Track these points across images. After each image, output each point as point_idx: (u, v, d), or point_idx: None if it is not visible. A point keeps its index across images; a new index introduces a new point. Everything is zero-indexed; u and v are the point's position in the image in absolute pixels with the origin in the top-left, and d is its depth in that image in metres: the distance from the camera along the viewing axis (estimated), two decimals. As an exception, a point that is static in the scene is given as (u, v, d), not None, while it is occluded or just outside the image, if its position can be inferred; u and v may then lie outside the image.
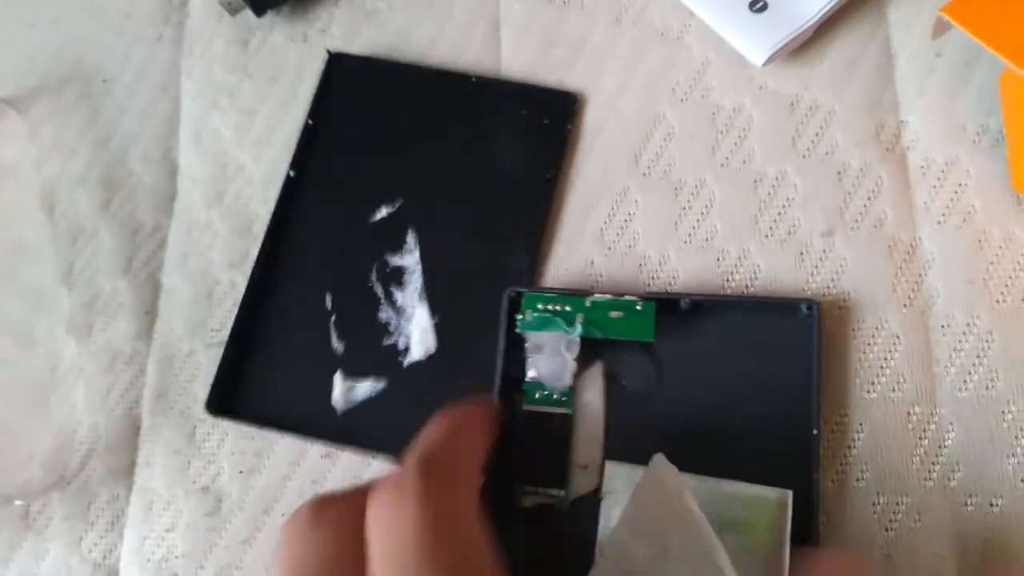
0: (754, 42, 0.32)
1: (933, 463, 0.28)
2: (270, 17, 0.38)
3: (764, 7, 0.32)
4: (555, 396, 0.29)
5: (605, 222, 0.33)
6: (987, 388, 0.28)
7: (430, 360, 0.32)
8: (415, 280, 0.33)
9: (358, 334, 0.33)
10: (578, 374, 0.29)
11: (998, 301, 0.29)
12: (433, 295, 0.33)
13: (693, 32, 0.34)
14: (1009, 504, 0.27)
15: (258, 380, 0.33)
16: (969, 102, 0.31)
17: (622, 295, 0.29)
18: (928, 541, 0.27)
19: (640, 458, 0.25)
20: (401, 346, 0.32)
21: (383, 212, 0.34)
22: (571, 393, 0.29)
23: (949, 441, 0.28)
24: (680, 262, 0.32)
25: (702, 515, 0.24)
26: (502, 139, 0.34)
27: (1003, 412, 0.28)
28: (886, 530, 0.28)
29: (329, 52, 0.37)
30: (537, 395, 0.29)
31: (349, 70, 0.37)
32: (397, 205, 0.34)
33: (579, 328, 0.29)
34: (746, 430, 0.28)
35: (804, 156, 0.32)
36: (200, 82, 0.38)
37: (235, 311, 0.33)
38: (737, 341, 0.29)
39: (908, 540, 0.27)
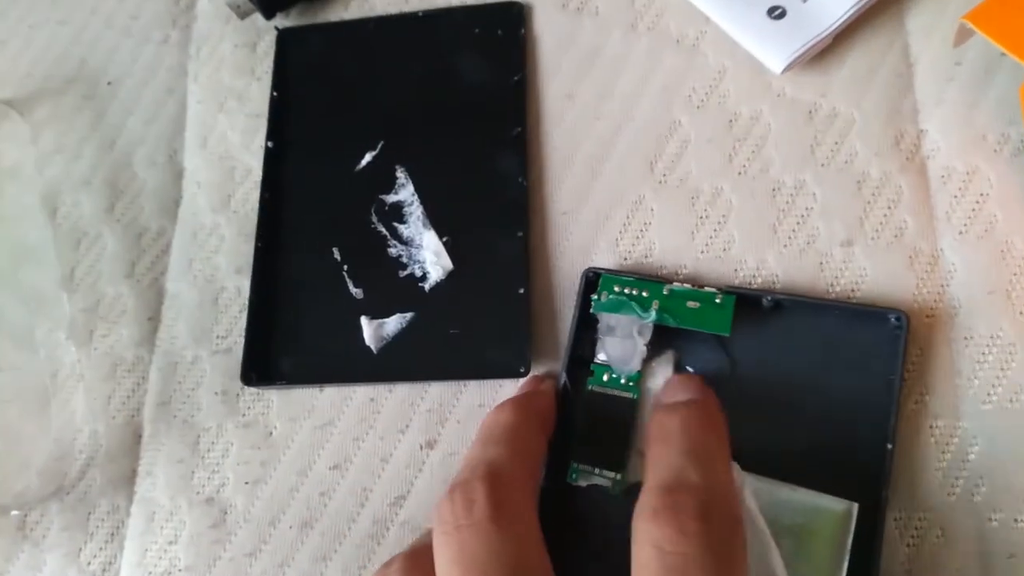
0: (772, 49, 0.32)
1: (956, 477, 0.27)
2: (279, 20, 0.38)
3: (783, 14, 0.32)
4: (623, 380, 0.29)
5: (620, 231, 0.32)
6: (1011, 401, 0.28)
7: (450, 278, 0.33)
8: (415, 210, 0.34)
9: (373, 276, 0.33)
10: (648, 361, 0.29)
11: (1022, 312, 0.28)
12: (436, 219, 0.34)
13: (709, 39, 0.34)
14: (1035, 519, 0.27)
15: (287, 344, 0.33)
16: (989, 111, 0.30)
17: (702, 286, 0.29)
18: (951, 557, 0.27)
19: None
20: (418, 274, 0.33)
21: (367, 158, 0.35)
22: (639, 379, 0.29)
23: (972, 455, 0.28)
24: (697, 272, 0.31)
25: (760, 516, 0.23)
26: (463, 59, 0.36)
27: (1028, 425, 0.27)
28: (908, 545, 0.27)
29: (277, 29, 0.38)
30: (605, 377, 0.29)
31: (301, 40, 0.38)
32: (379, 148, 0.35)
33: (653, 314, 0.28)
34: (816, 436, 0.27)
35: (823, 165, 0.31)
36: (207, 85, 0.38)
37: (244, 305, 0.34)
38: (817, 345, 0.28)
39: (930, 556, 0.27)
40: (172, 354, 0.34)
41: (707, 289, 0.28)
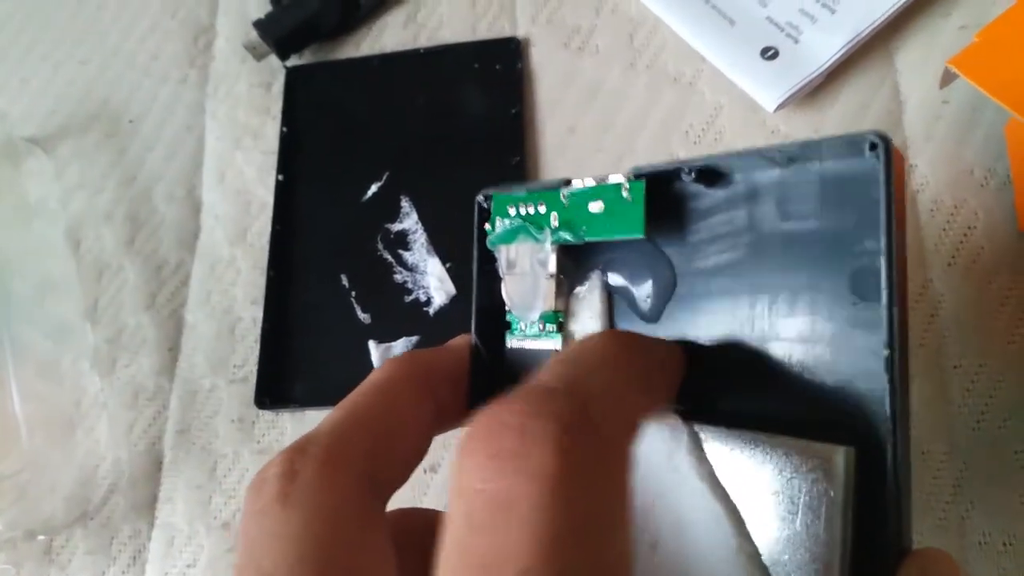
0: (766, 88, 0.33)
1: (948, 501, 0.28)
2: (293, 61, 0.40)
3: (776, 54, 0.33)
4: (540, 328, 0.22)
5: (621, 261, 0.34)
6: (999, 428, 0.29)
7: (454, 302, 0.34)
8: (420, 238, 0.35)
9: (380, 301, 0.35)
10: (569, 293, 0.22)
11: (1009, 342, 0.29)
12: (440, 246, 0.35)
13: (705, 77, 0.35)
14: (1022, 542, 0.27)
15: (298, 369, 0.35)
16: (976, 147, 0.32)
17: (605, 178, 0.20)
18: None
19: None
20: (423, 299, 0.34)
21: (373, 188, 0.37)
22: (559, 320, 0.22)
23: (962, 480, 0.28)
24: (695, 301, 0.32)
25: (720, 487, 0.17)
26: (463, 93, 0.38)
27: (1016, 452, 0.28)
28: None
29: (286, 67, 0.39)
30: (522, 327, 0.22)
31: (309, 77, 0.40)
32: (384, 178, 0.37)
33: (549, 234, 0.21)
34: (802, 358, 0.18)
35: (816, 198, 0.33)
36: (224, 122, 0.39)
37: (259, 336, 0.35)
38: (777, 218, 0.19)
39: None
40: (191, 383, 0.35)
41: (611, 180, 0.20)
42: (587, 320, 0.22)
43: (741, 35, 0.34)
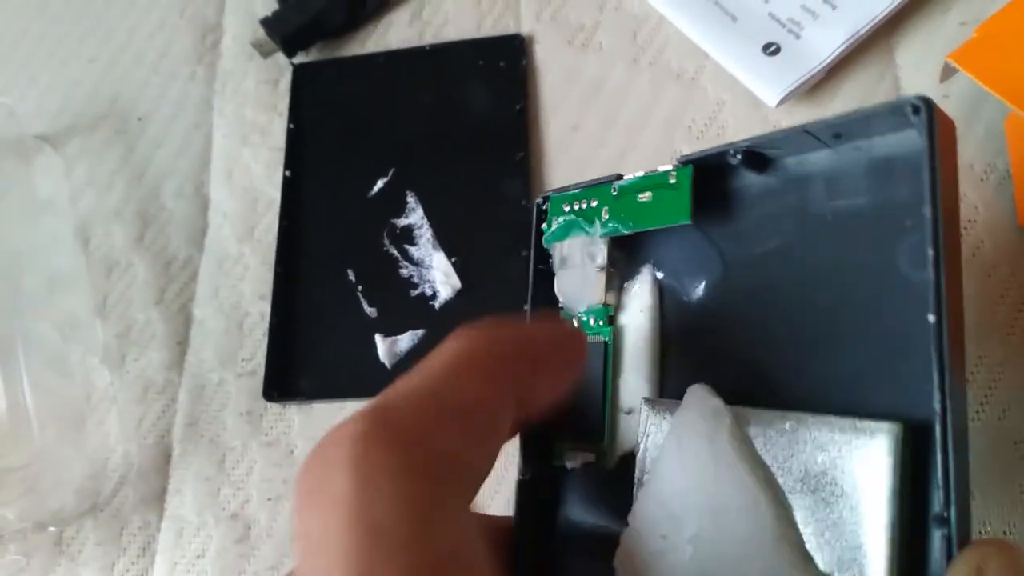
0: (768, 83, 0.33)
1: (947, 492, 0.29)
2: (300, 58, 0.40)
3: (777, 50, 0.33)
4: (591, 322, 0.22)
5: (624, 256, 0.34)
6: (999, 419, 0.29)
7: (459, 296, 0.35)
8: (425, 233, 0.36)
9: (386, 296, 0.35)
10: (620, 287, 0.22)
11: (1008, 333, 0.30)
12: (445, 241, 0.36)
13: (708, 73, 0.36)
14: (1022, 532, 0.28)
15: (306, 362, 0.35)
16: (976, 142, 0.32)
17: (655, 168, 0.21)
18: (944, 569, 0.28)
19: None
20: (429, 293, 0.35)
21: (379, 184, 0.37)
22: (608, 313, 0.22)
23: (963, 470, 0.29)
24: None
25: (763, 469, 0.17)
26: (468, 90, 0.38)
27: (1015, 442, 0.29)
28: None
29: (293, 64, 0.40)
30: (575, 323, 0.23)
31: (316, 74, 0.40)
32: (390, 174, 0.37)
33: (599, 227, 0.22)
34: (853, 336, 0.18)
35: (817, 193, 0.33)
36: (232, 120, 0.40)
37: (267, 330, 0.36)
38: (826, 198, 0.19)
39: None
40: (200, 377, 0.36)
41: (660, 169, 0.21)
42: (637, 313, 0.22)
43: (743, 31, 0.34)
